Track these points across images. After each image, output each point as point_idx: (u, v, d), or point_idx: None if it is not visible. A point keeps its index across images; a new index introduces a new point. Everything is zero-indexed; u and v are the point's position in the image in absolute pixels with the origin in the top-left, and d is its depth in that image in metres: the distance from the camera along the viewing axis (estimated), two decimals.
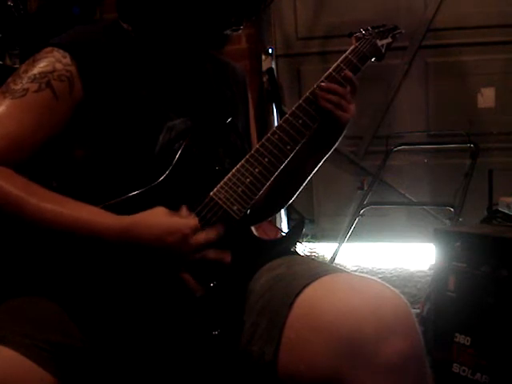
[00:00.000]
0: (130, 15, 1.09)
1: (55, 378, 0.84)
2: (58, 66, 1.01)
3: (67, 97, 1.01)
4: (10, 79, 1.01)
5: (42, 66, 1.01)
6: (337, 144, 1.18)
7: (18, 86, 0.99)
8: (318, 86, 1.10)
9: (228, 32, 1.07)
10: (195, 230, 0.96)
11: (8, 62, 2.59)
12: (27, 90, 0.99)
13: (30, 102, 0.98)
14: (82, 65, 1.02)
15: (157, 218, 0.95)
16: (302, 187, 1.24)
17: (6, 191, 0.92)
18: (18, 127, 0.97)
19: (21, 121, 0.97)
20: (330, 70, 1.13)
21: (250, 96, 1.30)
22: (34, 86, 0.99)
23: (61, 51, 1.02)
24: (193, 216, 0.99)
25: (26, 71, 1.01)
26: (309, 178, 1.22)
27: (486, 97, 3.34)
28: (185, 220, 0.97)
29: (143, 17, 1.07)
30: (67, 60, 1.01)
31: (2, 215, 0.93)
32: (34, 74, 1.00)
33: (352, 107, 1.12)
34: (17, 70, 1.02)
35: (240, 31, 1.08)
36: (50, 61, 1.01)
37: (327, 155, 1.19)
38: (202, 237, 0.96)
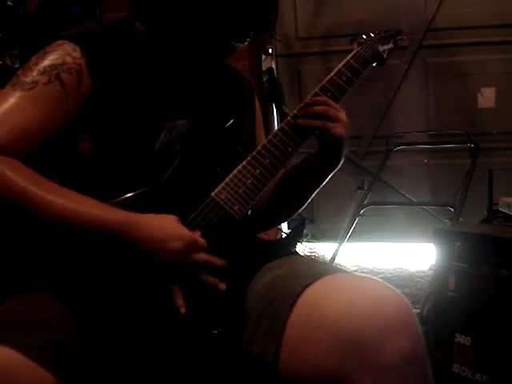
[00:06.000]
0: (142, 15, 1.09)
1: (56, 377, 0.83)
2: (68, 59, 1.01)
3: (75, 89, 1.01)
4: (19, 71, 1.02)
5: (52, 58, 1.01)
6: (341, 162, 1.15)
7: (28, 79, 0.99)
8: (303, 104, 1.09)
9: (233, 43, 1.07)
10: (199, 246, 0.96)
11: (8, 61, 2.59)
12: (37, 82, 0.99)
13: (40, 94, 0.99)
14: (91, 58, 1.02)
15: (164, 222, 0.96)
16: (309, 200, 1.23)
17: (12, 182, 0.92)
18: (27, 119, 0.97)
19: (30, 113, 0.98)
20: (332, 74, 1.13)
21: (258, 107, 1.30)
22: (44, 79, 0.99)
23: (71, 44, 1.03)
24: (200, 235, 0.99)
25: (36, 63, 1.01)
26: (317, 190, 1.21)
27: (486, 97, 3.34)
28: (191, 233, 0.97)
29: (155, 17, 1.07)
30: (77, 53, 1.02)
31: (8, 206, 0.93)
32: (44, 67, 1.00)
33: (342, 116, 1.09)
34: (27, 62, 1.03)
35: (246, 43, 1.08)
36: (60, 54, 1.02)
37: (335, 170, 1.17)
38: (203, 256, 0.96)
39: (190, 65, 1.13)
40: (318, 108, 1.08)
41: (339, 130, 1.08)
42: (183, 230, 0.96)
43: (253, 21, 1.05)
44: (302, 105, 1.10)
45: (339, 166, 1.17)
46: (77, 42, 1.03)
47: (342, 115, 1.09)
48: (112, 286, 0.95)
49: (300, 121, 1.09)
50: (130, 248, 0.94)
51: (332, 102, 1.10)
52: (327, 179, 1.19)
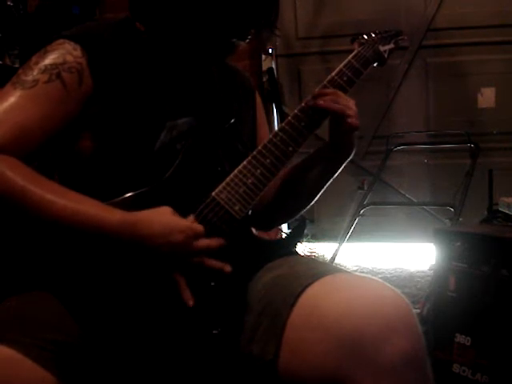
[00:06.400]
0: (142, 15, 1.09)
1: (56, 377, 0.84)
2: (69, 57, 1.01)
3: (76, 88, 1.01)
4: (20, 70, 1.02)
5: (52, 57, 1.01)
6: (354, 150, 1.14)
7: (29, 77, 0.99)
8: (313, 95, 1.10)
9: (234, 40, 1.07)
10: (198, 235, 0.96)
11: (8, 61, 2.58)
12: (38, 80, 0.99)
13: (40, 92, 0.99)
14: (92, 57, 1.03)
15: (161, 216, 0.95)
16: (316, 198, 1.23)
17: (11, 181, 0.92)
18: (28, 117, 0.97)
19: (30, 111, 0.98)
20: (333, 73, 1.13)
21: (260, 106, 1.30)
22: (45, 77, 0.99)
23: (72, 43, 1.03)
24: (197, 222, 0.99)
25: (37, 62, 1.01)
26: (324, 188, 1.20)
27: (486, 97, 3.34)
28: (189, 223, 0.97)
29: (155, 17, 1.07)
30: (78, 52, 1.02)
31: (7, 205, 0.93)
32: (45, 65, 1.00)
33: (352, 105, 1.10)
34: (28, 62, 1.03)
35: (247, 41, 1.08)
36: (61, 52, 1.02)
37: (344, 164, 1.16)
38: (203, 242, 0.97)
39: (190, 64, 1.13)
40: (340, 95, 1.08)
41: (355, 119, 1.08)
42: (181, 222, 0.96)
43: (254, 17, 1.05)
44: (302, 105, 1.10)
45: (352, 155, 1.15)
46: (77, 41, 1.03)
47: (354, 106, 1.10)
48: (112, 285, 0.95)
49: (320, 102, 1.08)
50: (131, 247, 0.94)
51: (342, 94, 1.10)
52: (337, 173, 1.17)
